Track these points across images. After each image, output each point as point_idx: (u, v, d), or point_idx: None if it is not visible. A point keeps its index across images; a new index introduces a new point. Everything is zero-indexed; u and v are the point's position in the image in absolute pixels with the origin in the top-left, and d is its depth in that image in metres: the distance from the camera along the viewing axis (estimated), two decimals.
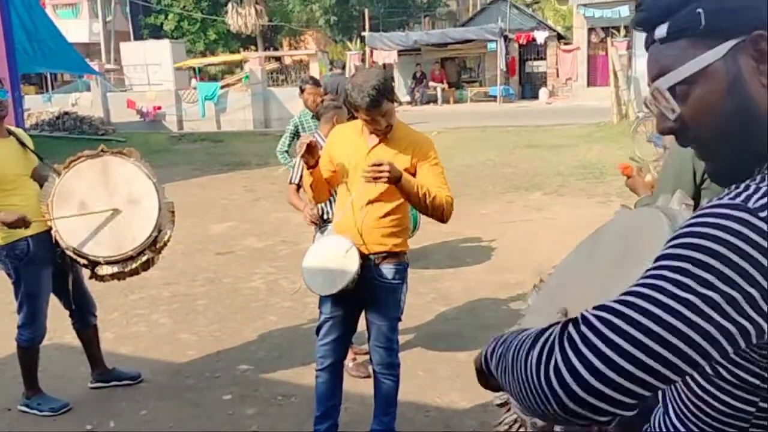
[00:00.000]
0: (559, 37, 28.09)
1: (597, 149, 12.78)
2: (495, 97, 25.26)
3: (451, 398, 3.91)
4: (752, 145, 0.93)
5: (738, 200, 0.85)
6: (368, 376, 4.18)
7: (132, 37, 30.71)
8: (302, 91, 5.56)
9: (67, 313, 4.16)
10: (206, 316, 5.46)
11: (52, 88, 25.07)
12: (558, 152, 12.83)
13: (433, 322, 5.09)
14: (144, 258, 3.84)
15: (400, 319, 3.27)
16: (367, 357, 4.42)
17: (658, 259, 0.87)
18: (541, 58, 27.77)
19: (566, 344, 0.86)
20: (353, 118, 3.35)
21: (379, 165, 2.79)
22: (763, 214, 0.83)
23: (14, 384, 4.16)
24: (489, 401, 3.81)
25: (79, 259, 3.80)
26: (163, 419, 3.85)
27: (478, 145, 14.27)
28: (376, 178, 2.81)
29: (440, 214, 3.05)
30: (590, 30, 25.45)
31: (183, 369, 4.48)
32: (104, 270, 3.81)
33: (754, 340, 0.83)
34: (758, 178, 0.89)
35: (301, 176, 3.29)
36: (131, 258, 3.81)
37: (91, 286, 4.18)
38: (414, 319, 5.14)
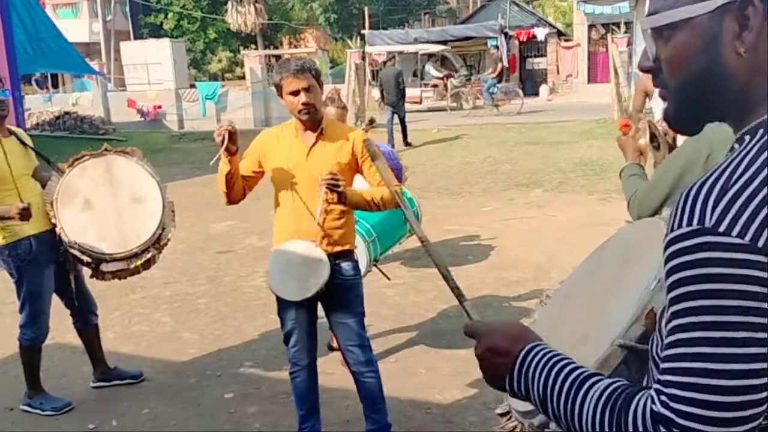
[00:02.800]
0: (560, 33, 28.08)
1: (597, 146, 12.77)
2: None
3: (452, 395, 3.91)
4: (706, 104, 0.94)
5: (695, 223, 0.84)
6: None
7: (132, 36, 30.69)
8: None
9: (69, 312, 4.17)
10: (207, 314, 5.47)
11: (54, 87, 25.11)
12: (558, 149, 12.82)
13: (434, 320, 5.10)
14: (148, 256, 3.86)
15: (364, 314, 3.29)
16: None
17: (670, 319, 0.87)
18: (542, 55, 27.75)
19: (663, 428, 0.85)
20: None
21: (337, 178, 2.91)
22: (722, 229, 0.82)
23: (17, 383, 4.17)
24: (490, 399, 3.82)
25: (82, 257, 3.81)
26: (165, 418, 3.86)
27: (478, 143, 14.26)
28: (333, 187, 2.90)
29: (386, 207, 3.16)
30: (590, 26, 25.43)
31: (184, 368, 4.49)
32: (108, 267, 3.82)
33: None
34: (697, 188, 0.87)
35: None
36: (135, 255, 3.84)
37: (92, 285, 4.19)
38: (415, 317, 5.15)
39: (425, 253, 7.04)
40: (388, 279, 4.82)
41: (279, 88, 3.04)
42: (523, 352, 1.02)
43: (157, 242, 3.86)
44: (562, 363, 0.99)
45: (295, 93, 2.97)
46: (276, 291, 3.09)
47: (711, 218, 0.83)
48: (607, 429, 0.89)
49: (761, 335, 0.81)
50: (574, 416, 0.93)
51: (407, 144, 14.43)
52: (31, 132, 4.45)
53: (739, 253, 0.81)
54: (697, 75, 0.94)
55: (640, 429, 0.86)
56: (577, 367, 0.97)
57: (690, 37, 0.93)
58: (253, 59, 21.59)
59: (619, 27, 19.25)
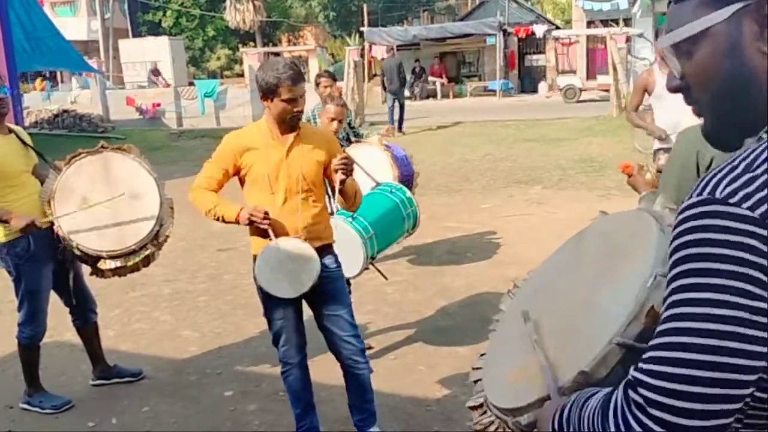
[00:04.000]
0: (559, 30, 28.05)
1: (597, 142, 12.77)
2: (494, 91, 25.23)
3: (452, 393, 3.91)
4: (742, 112, 0.92)
5: (705, 194, 0.85)
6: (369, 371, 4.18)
7: (130, 34, 30.67)
8: (318, 84, 5.56)
9: (68, 310, 4.16)
10: (207, 312, 5.46)
11: (52, 86, 25.09)
12: (558, 146, 12.81)
13: (434, 317, 5.10)
14: (146, 252, 3.86)
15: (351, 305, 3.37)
16: (369, 352, 4.43)
17: (669, 283, 0.87)
18: (541, 52, 27.73)
19: (637, 413, 0.85)
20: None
21: (348, 161, 3.06)
22: (734, 201, 0.82)
23: (16, 382, 4.16)
24: None
25: (81, 254, 3.81)
26: (165, 416, 3.86)
27: (477, 140, 14.26)
28: (348, 171, 3.06)
29: (355, 206, 3.35)
30: (589, 23, 25.40)
31: (184, 365, 4.49)
32: (106, 264, 3.82)
33: None
34: (734, 157, 0.88)
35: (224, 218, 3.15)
36: (133, 252, 3.83)
37: (92, 283, 4.19)
38: (415, 314, 5.15)
39: (424, 251, 7.05)
40: (385, 278, 4.81)
41: (271, 91, 2.97)
42: (557, 411, 1.07)
43: (155, 239, 3.85)
44: (575, 401, 1.03)
45: (291, 101, 2.97)
46: (270, 291, 3.09)
47: (723, 191, 0.83)
48: (599, 428, 0.91)
49: (759, 319, 0.80)
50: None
51: (400, 131, 15.70)
52: (30, 130, 4.45)
53: (747, 224, 0.80)
54: (726, 84, 0.92)
55: (619, 415, 0.88)
56: (583, 395, 1.02)
57: (712, 48, 0.92)
58: (251, 57, 21.59)
59: (617, 23, 19.24)
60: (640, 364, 0.87)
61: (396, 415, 3.72)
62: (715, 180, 0.85)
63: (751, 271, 0.80)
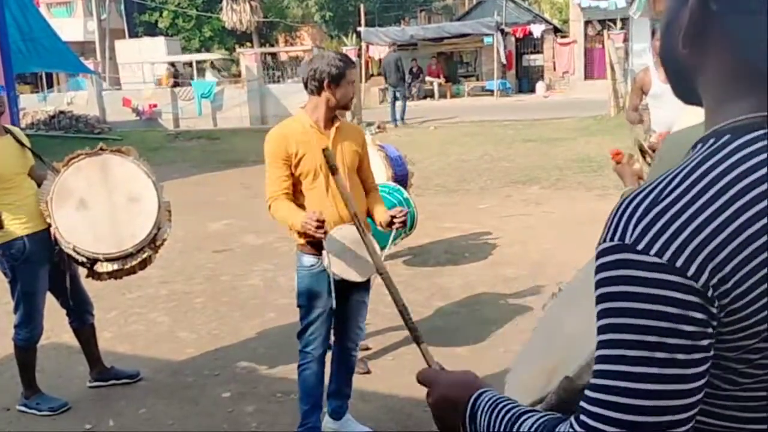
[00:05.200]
0: (556, 30, 28.06)
1: (595, 142, 12.77)
2: (492, 91, 25.23)
3: None
4: (682, 83, 0.94)
5: (617, 238, 0.82)
6: (367, 372, 4.19)
7: (127, 35, 30.62)
8: None
9: (65, 312, 4.15)
10: (204, 313, 5.45)
11: (48, 87, 25.02)
12: (555, 146, 12.82)
13: (431, 318, 5.09)
14: (143, 255, 3.85)
15: None
16: (367, 352, 4.44)
17: (598, 333, 0.86)
18: (538, 52, 27.74)
19: None
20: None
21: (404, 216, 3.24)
22: (641, 247, 0.80)
23: (13, 384, 4.15)
24: None
25: (78, 257, 3.79)
26: (163, 417, 3.85)
27: (475, 140, 14.26)
28: (404, 223, 3.26)
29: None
30: (587, 23, 25.42)
31: (182, 367, 4.48)
32: (103, 267, 3.81)
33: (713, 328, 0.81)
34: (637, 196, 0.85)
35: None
36: (131, 255, 3.82)
37: (89, 285, 4.18)
38: (413, 314, 5.08)
39: (421, 251, 7.05)
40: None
41: (340, 76, 3.10)
42: (472, 400, 1.04)
43: (153, 242, 3.84)
44: (502, 404, 0.99)
45: (353, 83, 3.20)
46: (343, 276, 3.16)
47: (632, 234, 0.81)
48: None
49: (679, 356, 0.79)
50: None
51: (402, 120, 17.10)
52: (26, 131, 4.43)
53: (656, 272, 0.79)
54: (663, 48, 0.95)
55: None
56: (515, 407, 0.98)
57: (667, 10, 0.93)
58: (248, 57, 21.51)
59: (615, 23, 19.26)
60: (583, 406, 0.85)
61: (394, 416, 3.71)
62: (626, 217, 0.83)
63: (669, 325, 0.79)
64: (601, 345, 0.84)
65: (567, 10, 29.02)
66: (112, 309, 5.52)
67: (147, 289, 6.01)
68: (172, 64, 22.95)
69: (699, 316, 0.79)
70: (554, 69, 26.84)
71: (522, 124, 16.11)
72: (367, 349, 4.51)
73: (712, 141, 0.86)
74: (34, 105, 20.37)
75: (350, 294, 3.30)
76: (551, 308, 1.62)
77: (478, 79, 27.79)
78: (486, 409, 1.00)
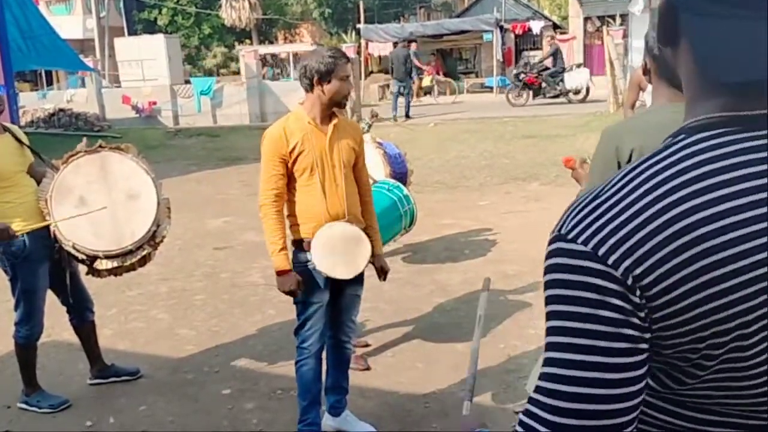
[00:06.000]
0: (555, 26, 28.02)
1: (594, 138, 12.69)
2: (491, 87, 25.20)
3: (450, 389, 3.91)
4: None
5: (555, 230, 0.87)
6: (367, 368, 4.19)
7: (126, 32, 30.56)
8: None
9: (65, 309, 4.16)
10: (204, 311, 5.46)
11: (48, 85, 24.98)
12: (555, 142, 12.81)
13: (431, 314, 5.10)
14: (143, 253, 3.85)
15: None
16: (366, 349, 4.45)
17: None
18: (538, 48, 27.69)
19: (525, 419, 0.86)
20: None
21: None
22: (571, 236, 0.84)
23: (13, 381, 4.15)
24: (488, 392, 3.83)
25: (77, 254, 3.80)
26: (163, 414, 3.85)
27: (474, 137, 14.25)
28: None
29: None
30: (586, 19, 25.41)
31: (182, 364, 4.48)
32: (103, 264, 3.81)
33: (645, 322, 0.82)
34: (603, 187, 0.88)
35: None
36: (130, 252, 3.82)
37: (88, 282, 4.18)
38: (412, 311, 5.15)
39: (421, 248, 7.03)
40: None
41: (329, 72, 3.10)
42: None
43: (152, 239, 3.84)
44: None
45: (346, 78, 3.16)
46: (331, 273, 3.19)
47: (567, 225, 0.86)
48: None
49: (600, 343, 0.80)
50: None
51: (407, 116, 17.26)
52: (26, 129, 4.42)
53: (580, 259, 0.82)
54: (650, 46, 1.05)
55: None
56: None
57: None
58: (248, 54, 21.48)
59: (614, 19, 19.23)
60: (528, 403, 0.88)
61: (394, 412, 3.72)
62: (570, 210, 0.88)
63: (592, 311, 0.81)
64: (545, 331, 0.87)
65: (566, 6, 28.99)
66: (112, 306, 5.52)
67: (147, 286, 6.02)
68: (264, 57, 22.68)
69: (619, 302, 0.80)
70: (553, 65, 26.78)
71: (521, 120, 16.09)
72: (367, 345, 4.52)
73: (670, 139, 0.88)
74: (33, 103, 20.34)
75: (345, 288, 3.33)
76: None
77: (477, 76, 27.77)
78: None
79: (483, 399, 3.76)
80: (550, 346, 0.84)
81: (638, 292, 0.80)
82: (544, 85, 19.44)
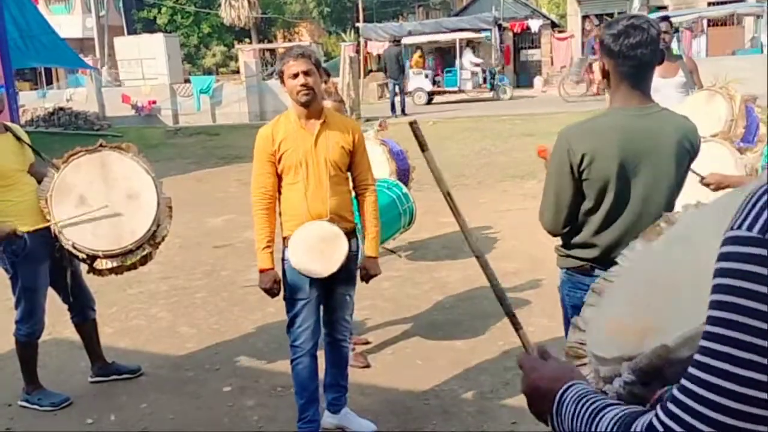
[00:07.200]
0: (553, 25, 28.02)
1: None
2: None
3: (449, 386, 3.93)
4: None
5: (755, 231, 0.78)
6: (367, 366, 4.21)
7: (125, 31, 30.54)
8: None
9: (66, 307, 4.17)
10: (205, 309, 5.48)
11: (48, 84, 24.96)
12: (553, 140, 12.78)
13: (430, 312, 5.12)
14: (143, 252, 3.86)
15: None
16: (366, 347, 4.46)
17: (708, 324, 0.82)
18: (536, 47, 27.71)
19: None
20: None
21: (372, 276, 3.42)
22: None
23: (14, 379, 4.17)
24: (487, 389, 3.85)
25: (78, 253, 3.81)
26: (164, 412, 3.87)
27: (473, 135, 14.27)
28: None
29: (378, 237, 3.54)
30: (584, 17, 25.39)
31: (183, 362, 4.50)
32: (103, 264, 3.82)
33: None
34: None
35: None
36: (130, 252, 3.83)
37: (90, 281, 4.20)
38: (412, 308, 5.17)
39: (420, 246, 7.03)
40: (399, 256, 4.82)
41: (281, 74, 3.19)
42: (559, 393, 1.06)
43: (152, 239, 3.85)
44: (585, 398, 1.01)
45: (295, 76, 3.12)
46: (303, 271, 3.20)
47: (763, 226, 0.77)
48: None
49: None
50: None
51: (403, 113, 17.48)
52: (26, 128, 4.41)
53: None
54: None
55: None
56: (597, 401, 0.99)
57: None
58: (247, 53, 21.47)
59: (612, 17, 19.22)
60: (672, 399, 0.83)
61: (394, 409, 3.74)
62: (759, 204, 0.79)
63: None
64: (708, 337, 0.80)
65: (564, 4, 28.98)
66: (113, 305, 5.54)
67: (148, 284, 6.04)
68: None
69: None
70: (552, 64, 26.79)
71: (520, 118, 16.10)
72: (367, 343, 4.54)
73: None
74: (33, 102, 20.34)
75: (335, 288, 3.34)
76: (660, 244, 1.41)
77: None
78: (570, 402, 1.02)
79: (482, 396, 3.78)
80: (721, 356, 0.78)
81: None
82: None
